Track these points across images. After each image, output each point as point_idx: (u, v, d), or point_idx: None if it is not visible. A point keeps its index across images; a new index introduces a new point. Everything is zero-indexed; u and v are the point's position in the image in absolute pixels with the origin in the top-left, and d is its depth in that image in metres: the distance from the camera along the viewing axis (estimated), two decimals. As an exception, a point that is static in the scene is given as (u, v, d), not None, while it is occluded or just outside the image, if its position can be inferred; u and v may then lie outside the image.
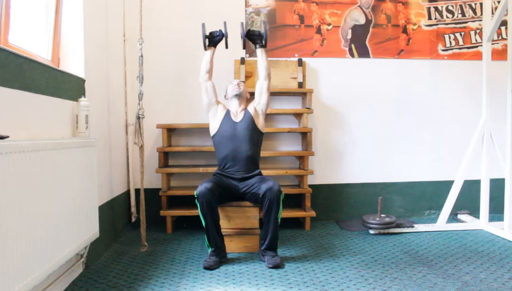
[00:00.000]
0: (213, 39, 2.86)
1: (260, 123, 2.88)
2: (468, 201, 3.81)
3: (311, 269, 2.49)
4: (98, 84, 2.78)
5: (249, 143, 2.80)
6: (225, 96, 2.99)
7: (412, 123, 3.91)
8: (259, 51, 2.85)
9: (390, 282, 2.27)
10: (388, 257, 2.71)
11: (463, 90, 3.93)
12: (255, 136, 2.84)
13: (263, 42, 2.82)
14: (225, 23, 2.83)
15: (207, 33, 2.84)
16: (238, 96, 2.87)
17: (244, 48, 2.86)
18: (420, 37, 3.90)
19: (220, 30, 2.84)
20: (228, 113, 2.87)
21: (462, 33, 3.95)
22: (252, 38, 2.86)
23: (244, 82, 3.03)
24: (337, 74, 3.82)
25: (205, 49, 2.86)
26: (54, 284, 2.03)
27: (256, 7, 3.72)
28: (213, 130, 2.88)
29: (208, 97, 2.88)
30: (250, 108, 2.89)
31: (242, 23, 2.88)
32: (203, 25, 2.82)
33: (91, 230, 2.31)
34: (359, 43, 3.83)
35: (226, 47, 2.85)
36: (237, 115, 2.87)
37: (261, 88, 2.87)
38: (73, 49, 2.50)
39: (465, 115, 3.92)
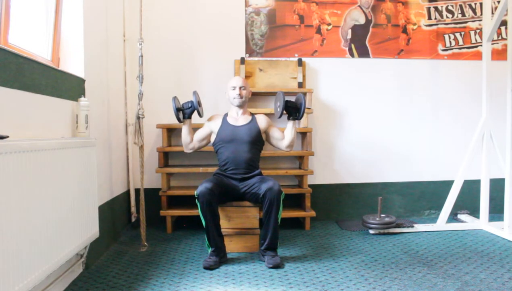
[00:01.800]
0: (185, 111, 2.83)
1: (263, 137, 2.91)
2: (468, 201, 3.81)
3: (311, 269, 2.49)
4: (98, 84, 2.78)
5: (250, 146, 2.81)
6: (225, 94, 2.98)
7: (412, 123, 3.91)
8: (291, 123, 2.82)
9: (390, 282, 2.27)
10: (388, 257, 2.71)
11: (463, 90, 3.94)
12: (257, 141, 2.86)
13: (298, 116, 2.77)
14: (194, 93, 2.81)
15: (179, 106, 2.82)
16: (240, 106, 2.88)
17: (279, 117, 2.82)
18: (420, 37, 3.90)
19: (191, 102, 2.81)
20: (225, 118, 2.88)
21: (462, 33, 3.95)
22: (288, 109, 2.78)
23: (244, 86, 2.88)
24: (337, 74, 3.82)
25: (179, 121, 2.83)
26: (54, 284, 2.03)
27: (256, 7, 3.72)
28: (212, 138, 2.91)
29: (205, 141, 2.93)
30: (262, 122, 2.88)
31: (281, 93, 2.78)
32: (173, 99, 2.78)
33: (91, 230, 2.31)
34: (359, 43, 3.83)
35: (200, 116, 2.88)
36: (238, 119, 2.87)
37: (277, 142, 2.90)
38: (73, 49, 2.50)
39: (465, 115, 3.92)
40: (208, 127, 2.92)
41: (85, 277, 2.36)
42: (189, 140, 2.88)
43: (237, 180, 2.78)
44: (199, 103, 2.84)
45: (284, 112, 2.80)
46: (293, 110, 2.78)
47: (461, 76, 3.94)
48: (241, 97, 2.85)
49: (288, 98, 2.83)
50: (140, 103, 2.87)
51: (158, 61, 3.59)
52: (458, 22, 3.95)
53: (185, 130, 2.87)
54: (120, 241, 3.10)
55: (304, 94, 3.59)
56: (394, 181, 3.90)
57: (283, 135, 2.89)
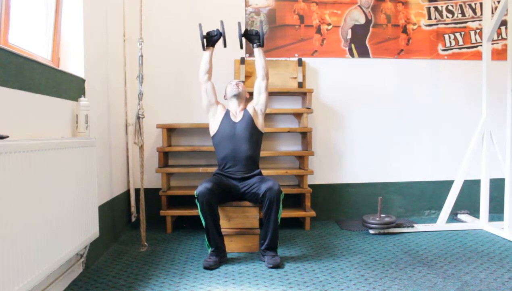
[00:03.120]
0: (211, 39, 2.86)
1: (260, 123, 2.88)
2: (468, 201, 3.81)
3: (311, 269, 2.49)
4: (98, 84, 2.78)
5: (249, 143, 2.80)
6: (224, 96, 3.00)
7: (412, 123, 3.91)
8: (257, 51, 2.86)
9: (390, 282, 2.27)
10: (388, 257, 2.71)
11: (463, 90, 3.94)
12: (255, 136, 2.84)
13: (260, 41, 2.82)
14: (221, 22, 2.84)
15: (205, 33, 2.85)
16: (237, 96, 2.88)
17: (241, 47, 2.86)
18: (420, 37, 3.90)
19: (218, 30, 2.85)
20: (227, 113, 2.88)
21: (462, 33, 3.95)
22: (249, 37, 2.87)
23: (243, 82, 3.03)
24: (337, 74, 3.82)
25: (204, 49, 2.87)
26: (54, 284, 2.03)
27: (256, 7, 3.72)
28: (213, 130, 2.89)
29: (208, 98, 2.88)
30: (249, 108, 2.90)
31: (239, 23, 2.87)
32: (200, 25, 2.83)
33: (91, 230, 2.31)
34: (359, 43, 3.83)
35: (225, 46, 2.86)
36: (237, 115, 2.87)
37: (259, 88, 2.89)
38: (73, 49, 2.50)
39: (465, 115, 3.92)
40: (216, 101, 2.90)
41: (85, 277, 2.36)
42: (207, 68, 2.87)
43: (237, 179, 2.78)
44: None
45: (247, 42, 2.88)
46: (254, 37, 2.85)
47: (461, 76, 3.94)
48: (238, 88, 2.89)
49: None
50: (140, 103, 2.87)
51: (158, 61, 3.60)
52: (458, 22, 3.95)
53: (206, 56, 2.87)
54: (120, 241, 3.10)
55: (304, 94, 3.60)
56: (394, 181, 3.90)
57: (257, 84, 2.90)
